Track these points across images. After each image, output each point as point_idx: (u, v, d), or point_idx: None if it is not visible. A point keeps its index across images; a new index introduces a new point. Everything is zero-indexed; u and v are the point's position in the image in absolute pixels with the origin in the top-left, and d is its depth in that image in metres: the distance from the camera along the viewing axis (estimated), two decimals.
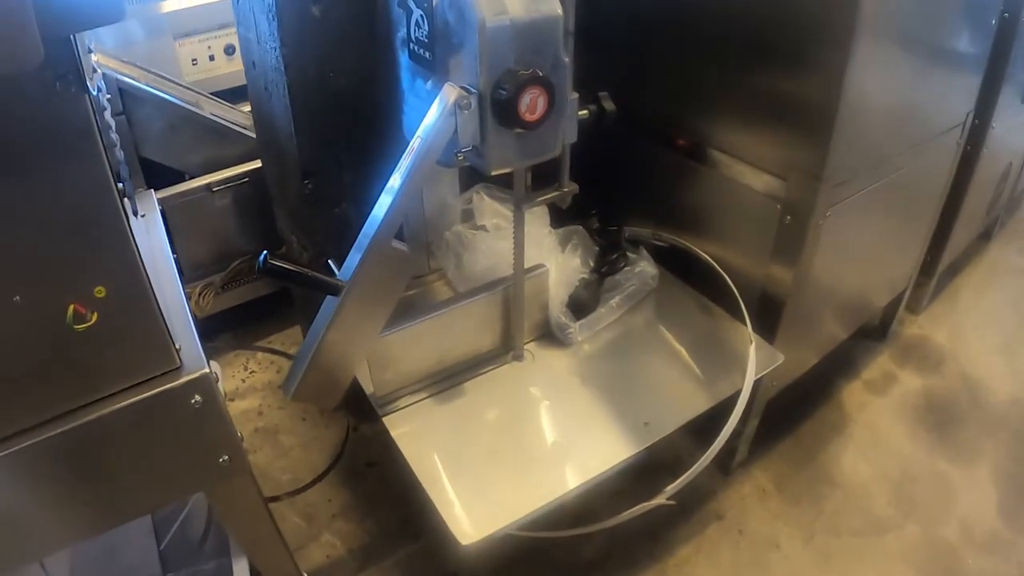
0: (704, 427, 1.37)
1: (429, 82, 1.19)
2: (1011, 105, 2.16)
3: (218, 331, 2.20)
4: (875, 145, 1.52)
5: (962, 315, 2.49)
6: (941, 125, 1.80)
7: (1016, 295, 2.63)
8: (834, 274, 1.66)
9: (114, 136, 1.45)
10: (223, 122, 2.00)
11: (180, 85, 2.06)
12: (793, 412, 1.99)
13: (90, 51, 1.59)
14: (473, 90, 1.06)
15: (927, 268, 2.29)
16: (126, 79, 1.85)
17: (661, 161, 1.71)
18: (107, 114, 1.47)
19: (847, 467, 1.88)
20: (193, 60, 2.26)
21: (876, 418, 2.04)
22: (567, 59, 1.10)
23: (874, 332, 2.32)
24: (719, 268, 1.59)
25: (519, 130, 1.08)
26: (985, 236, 2.86)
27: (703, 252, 1.64)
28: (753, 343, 1.45)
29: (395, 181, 1.12)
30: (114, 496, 1.11)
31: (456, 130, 1.07)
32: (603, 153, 1.58)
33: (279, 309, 2.22)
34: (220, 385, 1.14)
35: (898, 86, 1.50)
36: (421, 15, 1.14)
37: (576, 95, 1.18)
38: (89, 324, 0.95)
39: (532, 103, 1.05)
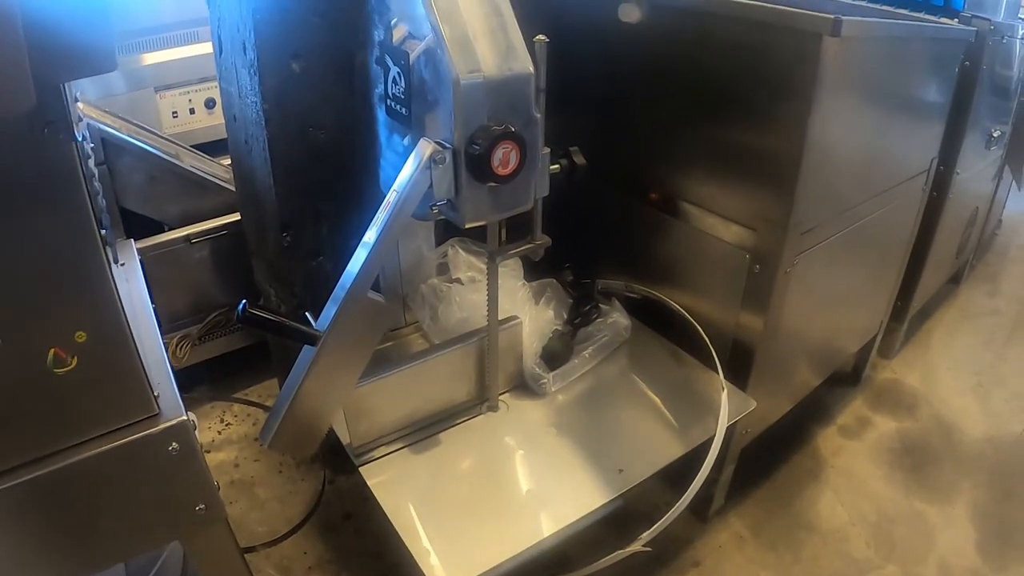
0: (679, 475, 1.38)
1: (406, 138, 1.22)
2: (975, 151, 2.24)
3: (195, 382, 2.19)
4: (841, 193, 1.57)
5: (934, 358, 2.53)
6: (906, 172, 1.86)
7: (987, 336, 2.68)
8: (804, 321, 1.69)
9: (97, 184, 1.47)
10: (203, 174, 2.02)
11: (161, 137, 2.08)
12: (769, 459, 1.99)
13: (76, 100, 1.61)
14: (448, 145, 1.09)
15: (897, 313, 2.33)
16: (108, 129, 1.87)
17: (633, 214, 1.74)
18: (91, 162, 1.49)
19: (824, 512, 1.89)
20: (174, 112, 2.29)
21: (852, 462, 2.05)
22: (539, 115, 1.14)
23: (847, 378, 2.35)
24: (690, 318, 1.61)
25: (492, 184, 1.11)
26: (955, 280, 2.92)
27: (675, 302, 1.66)
28: (725, 390, 1.46)
29: (371, 234, 1.14)
30: (89, 543, 1.10)
31: (431, 184, 1.10)
32: (576, 206, 1.61)
33: (256, 361, 2.21)
34: (196, 433, 1.15)
35: (862, 135, 1.55)
36: (398, 72, 1.17)
37: (548, 150, 1.21)
38: (69, 368, 0.96)
39: (505, 158, 1.08)
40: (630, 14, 1.50)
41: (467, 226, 1.16)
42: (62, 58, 0.79)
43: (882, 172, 1.74)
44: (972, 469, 2.05)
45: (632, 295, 1.75)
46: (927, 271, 2.29)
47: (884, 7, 2.10)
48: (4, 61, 0.71)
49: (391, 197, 1.12)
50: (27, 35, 0.71)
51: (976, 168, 2.33)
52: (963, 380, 2.41)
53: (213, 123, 2.31)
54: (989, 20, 1.95)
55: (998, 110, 2.31)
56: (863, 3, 2.16)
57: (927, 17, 2.01)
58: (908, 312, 2.36)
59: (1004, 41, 2.08)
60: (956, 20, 1.97)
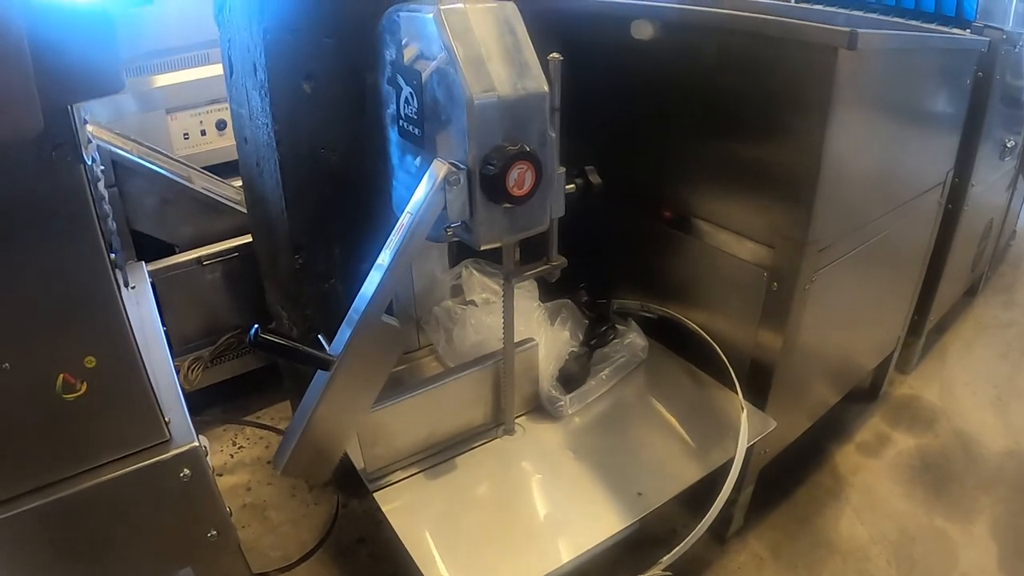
0: (698, 496, 1.36)
1: (418, 158, 1.21)
2: (990, 162, 2.22)
3: (207, 405, 2.18)
4: (858, 209, 1.55)
5: (952, 372, 2.50)
6: (922, 185, 1.84)
7: (1004, 348, 2.65)
8: (823, 338, 1.67)
9: (107, 207, 1.47)
10: (214, 196, 2.02)
11: (172, 159, 2.09)
12: (787, 478, 1.97)
13: (85, 122, 1.61)
14: (462, 166, 1.08)
15: (915, 328, 2.31)
16: (119, 151, 1.88)
17: (649, 233, 1.73)
18: (100, 185, 1.49)
19: (844, 531, 1.86)
20: (185, 134, 2.29)
21: (871, 480, 2.03)
22: (554, 134, 1.14)
23: (865, 394, 2.33)
24: (708, 337, 1.60)
25: (507, 205, 1.10)
26: (971, 292, 2.89)
27: (692, 322, 1.65)
28: (745, 410, 1.45)
29: (385, 256, 1.13)
30: (99, 570, 1.09)
31: (445, 206, 1.09)
32: (591, 226, 1.60)
33: (268, 384, 2.21)
34: (208, 458, 1.14)
35: (878, 149, 1.54)
36: (411, 92, 1.17)
37: (563, 169, 1.20)
38: (79, 394, 0.96)
39: (520, 178, 1.07)
40: (643, 31, 1.50)
41: (482, 248, 1.15)
42: (68, 80, 0.79)
43: (899, 186, 1.73)
44: (993, 484, 2.02)
45: (648, 315, 1.74)
46: (943, 284, 2.27)
47: (896, 19, 2.10)
48: (12, 86, 0.70)
49: (404, 219, 1.11)
50: (34, 58, 0.70)
51: (990, 179, 2.31)
52: (982, 394, 2.38)
53: (224, 145, 2.31)
54: (1001, 30, 1.94)
55: (1011, 120, 2.30)
56: (875, 16, 2.16)
57: (939, 28, 2.01)
58: (925, 326, 2.34)
59: (1016, 50, 2.06)
60: (968, 30, 1.96)
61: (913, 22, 2.05)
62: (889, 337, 2.17)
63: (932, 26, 2.03)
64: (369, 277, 1.15)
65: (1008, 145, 2.31)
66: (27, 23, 0.69)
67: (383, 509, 1.32)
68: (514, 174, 1.06)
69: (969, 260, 2.55)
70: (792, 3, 2.37)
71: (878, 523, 1.88)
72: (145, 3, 0.74)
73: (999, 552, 1.80)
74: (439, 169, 1.08)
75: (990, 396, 2.37)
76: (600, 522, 1.30)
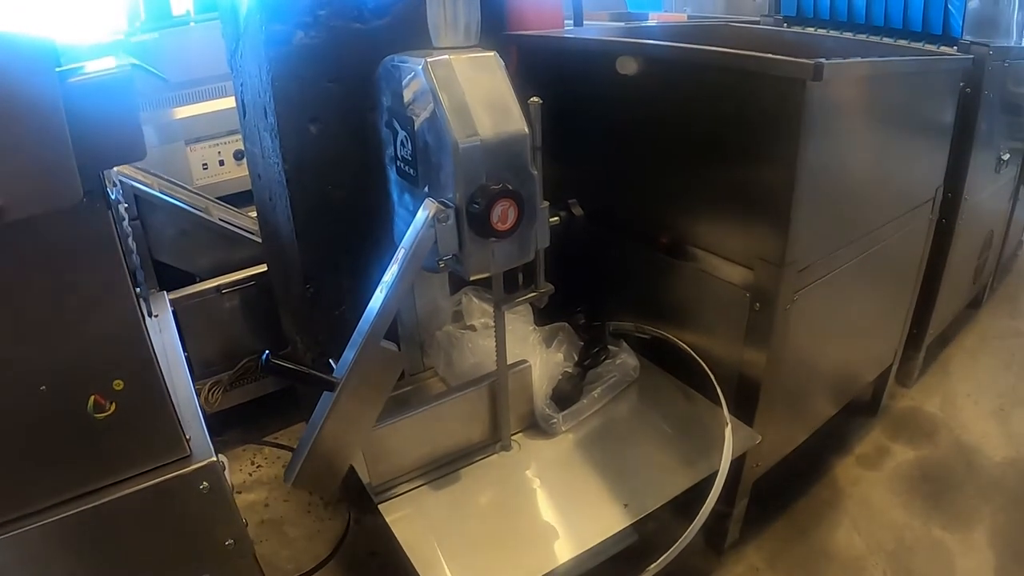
0: (691, 510, 1.40)
1: (414, 196, 1.30)
2: (984, 175, 2.23)
3: (227, 426, 2.25)
4: (838, 229, 1.59)
5: (954, 383, 2.51)
6: (910, 202, 1.87)
7: (1008, 357, 2.65)
8: (811, 354, 1.71)
9: (131, 243, 1.56)
10: (231, 227, 2.11)
11: (191, 191, 2.18)
12: (785, 490, 2.00)
13: None
14: (450, 204, 1.17)
15: (913, 341, 2.32)
16: (141, 187, 1.98)
17: (641, 258, 1.78)
18: (125, 223, 1.59)
19: (842, 542, 1.88)
20: (204, 164, 2.39)
21: (870, 492, 2.05)
22: (535, 172, 1.22)
23: (865, 407, 2.34)
24: (696, 356, 1.64)
25: (493, 239, 1.18)
26: (975, 304, 2.89)
27: (683, 342, 1.70)
28: (729, 425, 1.50)
29: (382, 288, 1.22)
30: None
31: (436, 240, 1.17)
32: (585, 251, 1.66)
33: (286, 406, 2.27)
34: (227, 474, 1.23)
35: (858, 170, 1.58)
36: (405, 136, 1.26)
37: (547, 203, 1.28)
38: (108, 413, 1.06)
39: (503, 214, 1.16)
40: (627, 67, 1.57)
41: (472, 278, 1.23)
42: (100, 151, 0.89)
43: (883, 204, 1.75)
44: (992, 493, 2.03)
45: (642, 335, 1.79)
46: (942, 298, 2.28)
47: (884, 39, 2.14)
48: (55, 159, 0.81)
49: (399, 253, 1.20)
50: (72, 137, 0.81)
51: (986, 192, 2.32)
52: (984, 404, 2.39)
53: (241, 174, 2.38)
54: (988, 45, 1.97)
55: (1007, 131, 2.32)
56: (863, 37, 2.21)
57: (927, 48, 2.05)
58: (924, 340, 2.35)
59: (1006, 65, 2.09)
60: (955, 47, 2.00)
61: (901, 42, 2.09)
62: (886, 351, 2.20)
63: (918, 45, 2.07)
64: (369, 305, 1.24)
65: (1004, 157, 2.33)
66: (63, 99, 0.80)
67: (387, 519, 1.39)
68: (497, 211, 1.15)
69: (970, 273, 2.56)
70: (784, 27, 2.45)
71: (875, 533, 1.90)
72: (159, 80, 0.83)
73: (996, 561, 1.81)
74: (430, 207, 1.17)
75: (993, 406, 2.37)
76: (593, 529, 1.37)
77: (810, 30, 2.38)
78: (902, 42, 2.10)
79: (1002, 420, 2.32)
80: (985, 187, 2.30)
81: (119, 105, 0.89)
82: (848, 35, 2.28)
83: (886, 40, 2.14)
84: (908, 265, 2.05)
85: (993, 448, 2.20)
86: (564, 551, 1.33)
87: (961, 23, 2.05)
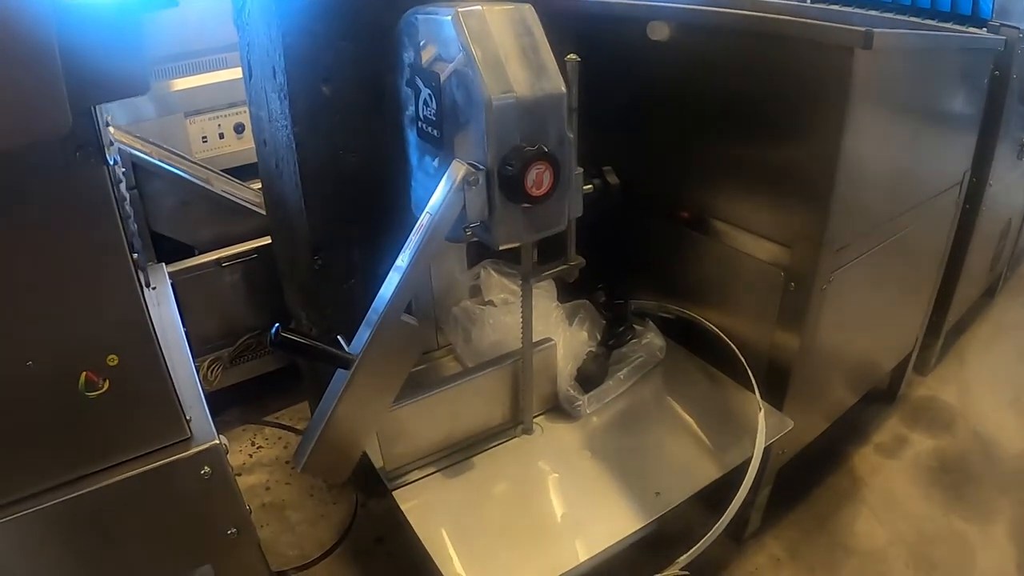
0: (715, 496, 1.36)
1: (437, 159, 1.22)
2: (1007, 162, 2.20)
3: (226, 405, 2.19)
4: (875, 208, 1.55)
5: (971, 373, 2.49)
6: (939, 185, 1.84)
7: (1022, 349, 2.63)
8: (840, 339, 1.67)
9: (129, 208, 1.48)
10: (233, 198, 2.04)
11: (191, 161, 2.11)
12: (804, 479, 1.96)
13: (107, 124, 1.64)
14: (480, 166, 1.09)
15: (933, 328, 2.29)
16: (139, 154, 1.90)
17: (666, 233, 1.74)
18: (122, 186, 1.51)
19: (862, 532, 1.85)
20: (203, 137, 2.31)
21: (889, 481, 2.02)
22: (571, 135, 1.14)
23: (883, 395, 2.31)
24: (725, 337, 1.60)
25: (526, 205, 1.11)
26: (989, 293, 2.87)
27: (709, 322, 1.65)
28: (762, 410, 1.45)
29: (404, 257, 1.14)
30: (120, 566, 1.10)
31: (464, 206, 1.10)
32: (608, 226, 1.60)
33: (287, 384, 2.22)
34: (228, 458, 1.15)
35: (895, 149, 1.54)
36: (429, 94, 1.18)
37: (581, 170, 1.21)
38: (101, 392, 0.97)
39: (538, 178, 1.08)
40: (659, 32, 1.50)
41: (501, 248, 1.16)
42: (95, 81, 0.80)
43: (916, 185, 1.72)
44: (1011, 486, 2.00)
45: (666, 315, 1.74)
46: (961, 285, 2.25)
47: (912, 18, 2.09)
48: (42, 86, 0.72)
49: (424, 219, 1.12)
50: (62, 58, 0.72)
51: (1008, 179, 2.29)
52: (1000, 395, 2.36)
53: (241, 148, 2.33)
54: (1018, 28, 1.93)
55: None
56: (891, 15, 2.15)
57: (955, 27, 2.00)
58: (943, 327, 2.33)
59: None
60: (984, 29, 1.95)
61: (929, 21, 2.04)
62: (907, 338, 2.16)
63: (948, 25, 2.02)
64: (388, 277, 1.16)
65: None
66: (56, 24, 0.71)
67: (402, 507, 1.33)
68: (532, 174, 1.07)
69: (987, 260, 2.53)
70: (808, 3, 2.38)
71: (896, 525, 1.87)
72: (170, 5, 0.74)
73: (1017, 554, 1.79)
74: (458, 170, 1.09)
75: (1009, 397, 2.35)
76: (617, 522, 1.30)
77: (835, 7, 2.32)
78: (929, 21, 2.04)
79: (1019, 411, 2.29)
80: (1007, 174, 2.26)
81: (120, 26, 0.80)
82: (874, 13, 2.22)
83: (913, 19, 2.08)
84: (933, 250, 2.02)
85: (1009, 440, 2.17)
86: (589, 546, 1.26)
87: (992, 4, 2.01)
